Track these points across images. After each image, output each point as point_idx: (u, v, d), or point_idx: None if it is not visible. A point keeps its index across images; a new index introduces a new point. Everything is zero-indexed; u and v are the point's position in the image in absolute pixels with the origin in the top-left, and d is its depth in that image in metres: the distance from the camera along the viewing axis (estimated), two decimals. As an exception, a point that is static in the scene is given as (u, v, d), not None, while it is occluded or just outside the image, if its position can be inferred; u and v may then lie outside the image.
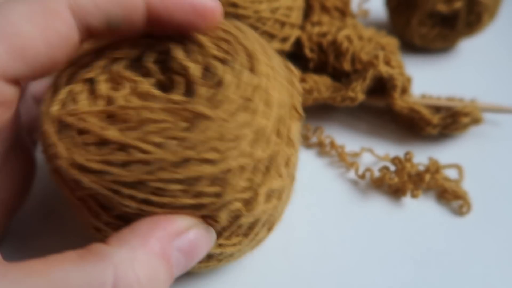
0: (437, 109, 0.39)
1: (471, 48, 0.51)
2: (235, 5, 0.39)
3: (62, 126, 0.21)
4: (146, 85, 0.23)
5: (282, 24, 0.41)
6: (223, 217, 0.21)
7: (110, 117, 0.21)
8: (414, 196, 0.33)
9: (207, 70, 0.23)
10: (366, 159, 0.37)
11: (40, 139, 0.22)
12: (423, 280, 0.29)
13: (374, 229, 0.32)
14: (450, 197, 0.34)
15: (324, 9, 0.46)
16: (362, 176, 0.35)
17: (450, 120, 0.36)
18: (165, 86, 0.24)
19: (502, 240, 0.31)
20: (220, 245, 0.23)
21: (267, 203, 0.22)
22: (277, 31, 0.40)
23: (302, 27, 0.44)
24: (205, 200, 0.20)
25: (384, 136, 0.39)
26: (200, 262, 0.23)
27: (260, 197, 0.21)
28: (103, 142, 0.20)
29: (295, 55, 0.44)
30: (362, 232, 0.32)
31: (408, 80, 0.38)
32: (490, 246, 0.31)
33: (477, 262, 0.30)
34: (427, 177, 0.33)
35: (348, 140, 0.39)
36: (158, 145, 0.19)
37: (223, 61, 0.23)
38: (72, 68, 0.24)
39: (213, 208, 0.21)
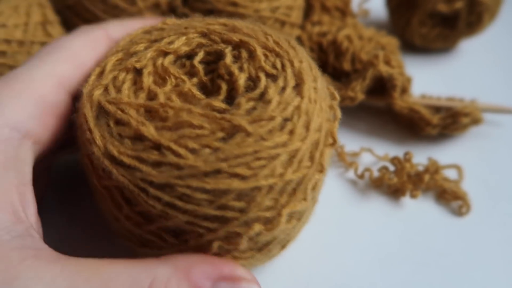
0: (437, 109, 0.38)
1: (472, 49, 0.51)
2: (235, 4, 0.39)
3: (102, 112, 0.22)
4: (189, 85, 0.23)
5: (282, 23, 0.41)
6: (244, 243, 0.21)
7: (149, 112, 0.21)
8: (413, 196, 0.33)
9: (251, 80, 0.23)
10: (366, 159, 0.37)
11: (77, 120, 0.23)
12: (422, 281, 0.29)
13: (373, 230, 0.32)
14: (450, 197, 0.33)
15: (325, 8, 0.46)
16: (361, 176, 0.35)
17: (450, 120, 0.36)
18: (207, 88, 0.25)
19: (502, 241, 0.31)
20: (234, 257, 0.23)
21: (287, 223, 0.22)
22: (277, 30, 0.40)
23: (302, 27, 0.44)
24: (228, 214, 0.20)
25: (384, 136, 0.39)
26: None
27: (283, 218, 0.21)
28: (138, 138, 0.20)
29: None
30: (360, 232, 0.32)
31: (408, 80, 0.38)
32: (490, 247, 0.31)
33: (476, 263, 0.30)
34: (427, 177, 0.33)
35: (348, 139, 0.38)
36: (192, 151, 0.19)
37: (269, 75, 0.23)
38: (120, 53, 0.24)
39: (235, 224, 0.20)
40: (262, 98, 0.22)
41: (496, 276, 0.29)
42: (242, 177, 0.19)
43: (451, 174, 0.35)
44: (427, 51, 0.50)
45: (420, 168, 0.35)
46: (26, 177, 0.21)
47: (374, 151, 0.37)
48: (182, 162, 0.19)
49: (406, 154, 0.34)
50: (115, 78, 0.23)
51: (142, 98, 0.22)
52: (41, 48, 0.33)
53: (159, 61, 0.24)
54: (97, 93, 0.22)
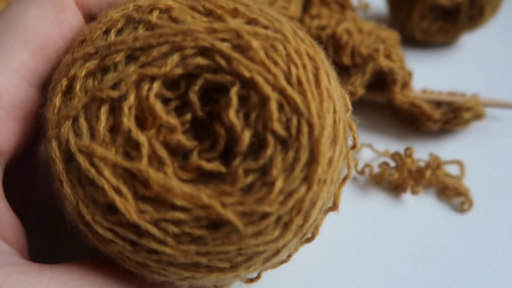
0: (438, 104, 0.38)
1: (473, 43, 0.50)
2: (232, -3, 0.38)
3: (71, 158, 0.19)
4: (178, 133, 0.19)
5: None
6: None
7: (128, 173, 0.18)
8: (414, 192, 0.32)
9: (256, 136, 0.19)
10: (366, 155, 0.36)
11: (47, 157, 0.20)
12: (423, 277, 0.28)
13: (373, 226, 0.31)
14: (451, 193, 0.33)
15: (324, 2, 0.45)
16: (361, 172, 0.34)
17: (452, 115, 0.35)
18: (201, 127, 0.20)
19: (503, 238, 0.31)
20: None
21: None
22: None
23: (301, 20, 0.43)
24: None
25: (384, 131, 0.38)
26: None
27: (260, 277, 0.22)
28: (114, 209, 0.18)
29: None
30: (361, 229, 0.31)
31: (409, 75, 0.37)
32: (492, 244, 0.30)
33: (478, 259, 0.29)
34: (428, 173, 0.32)
35: (347, 135, 0.38)
36: (173, 237, 0.18)
37: (278, 138, 0.18)
38: (93, 61, 0.20)
39: None
40: (264, 175, 0.18)
41: (498, 273, 0.29)
42: (222, 269, 0.18)
43: (453, 169, 0.34)
44: (428, 45, 0.50)
45: (421, 164, 0.34)
46: None
47: (374, 147, 0.36)
48: (161, 249, 0.18)
49: (407, 149, 0.33)
50: (87, 107, 0.19)
51: (120, 143, 0.19)
52: None
53: (144, 90, 0.19)
54: (66, 129, 0.19)
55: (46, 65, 0.21)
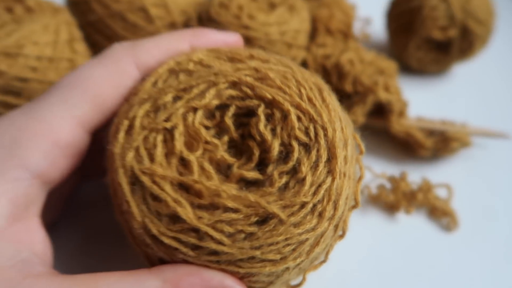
0: (430, 132, 0.42)
1: (464, 73, 0.55)
2: (247, 28, 0.41)
3: (136, 180, 0.22)
4: (221, 151, 0.24)
5: (289, 46, 0.44)
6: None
7: (184, 187, 0.22)
8: (407, 212, 0.36)
9: (284, 145, 0.23)
10: (365, 176, 0.40)
11: (110, 180, 0.23)
12: (413, 290, 0.32)
13: (371, 241, 0.35)
14: (440, 214, 0.37)
15: (329, 31, 0.49)
16: (361, 192, 0.38)
17: (442, 144, 0.39)
18: (238, 146, 0.25)
19: (485, 255, 0.35)
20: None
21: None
22: (285, 52, 0.43)
23: (308, 48, 0.47)
24: (257, 285, 0.23)
25: (382, 155, 0.42)
26: None
27: (305, 279, 0.25)
28: (176, 217, 0.21)
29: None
30: (358, 245, 0.34)
31: (405, 105, 0.41)
32: (475, 261, 0.34)
33: (463, 275, 0.33)
34: (420, 195, 0.36)
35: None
36: (228, 236, 0.21)
37: (301, 143, 0.23)
38: (148, 103, 0.24)
39: None
40: (295, 174, 0.22)
41: (478, 286, 0.32)
42: (273, 262, 0.21)
43: (442, 192, 0.38)
44: (422, 73, 0.54)
45: (414, 187, 0.38)
46: (33, 211, 0.24)
47: (372, 169, 0.40)
48: (219, 249, 0.20)
49: (402, 174, 0.37)
50: (146, 139, 0.23)
51: (174, 164, 0.22)
52: (66, 70, 0.35)
53: (190, 119, 0.23)
54: (130, 157, 0.22)
55: (100, 117, 0.26)
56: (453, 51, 0.50)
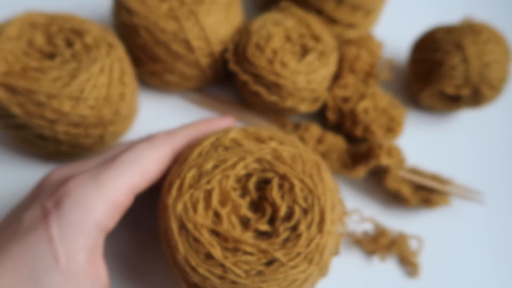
0: (419, 186, 0.48)
1: (471, 116, 0.59)
2: (277, 74, 0.46)
3: (182, 225, 0.29)
4: (244, 209, 0.31)
5: (314, 91, 0.48)
6: None
7: (216, 233, 0.29)
8: (382, 259, 0.45)
9: (289, 207, 0.31)
10: (354, 217, 0.48)
11: (161, 222, 0.32)
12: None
13: (346, 277, 0.44)
14: (407, 263, 0.45)
15: (352, 70, 0.52)
16: (347, 235, 0.46)
17: (424, 204, 0.46)
18: (255, 205, 0.32)
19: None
20: None
21: None
22: (308, 95, 0.48)
23: (330, 88, 0.51)
24: None
25: (371, 198, 0.49)
26: None
27: None
28: (209, 256, 0.29)
29: (318, 112, 0.52)
30: (340, 278, 0.44)
31: (402, 163, 0.47)
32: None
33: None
34: (394, 248, 0.44)
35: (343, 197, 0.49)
36: (245, 272, 0.28)
37: (301, 208, 0.30)
38: (194, 169, 0.31)
39: None
40: (295, 230, 0.30)
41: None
42: None
43: (415, 243, 0.46)
44: (430, 111, 0.58)
45: (393, 235, 0.46)
46: (98, 252, 0.32)
47: (361, 211, 0.48)
48: (238, 280, 0.29)
49: (381, 230, 0.45)
50: (191, 195, 0.30)
51: (210, 216, 0.30)
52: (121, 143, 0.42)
53: (223, 183, 0.31)
54: (179, 208, 0.30)
55: (144, 184, 0.33)
56: (461, 103, 0.54)
